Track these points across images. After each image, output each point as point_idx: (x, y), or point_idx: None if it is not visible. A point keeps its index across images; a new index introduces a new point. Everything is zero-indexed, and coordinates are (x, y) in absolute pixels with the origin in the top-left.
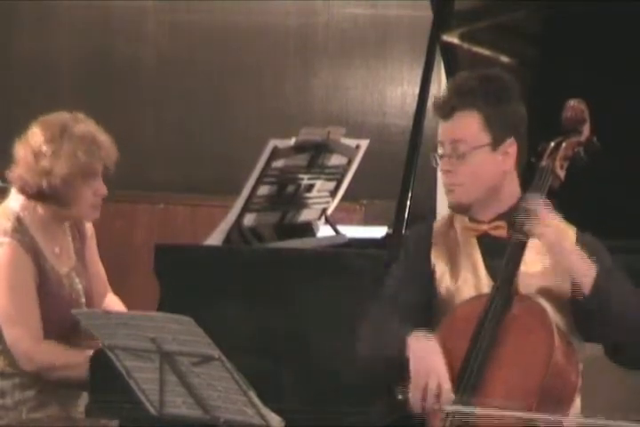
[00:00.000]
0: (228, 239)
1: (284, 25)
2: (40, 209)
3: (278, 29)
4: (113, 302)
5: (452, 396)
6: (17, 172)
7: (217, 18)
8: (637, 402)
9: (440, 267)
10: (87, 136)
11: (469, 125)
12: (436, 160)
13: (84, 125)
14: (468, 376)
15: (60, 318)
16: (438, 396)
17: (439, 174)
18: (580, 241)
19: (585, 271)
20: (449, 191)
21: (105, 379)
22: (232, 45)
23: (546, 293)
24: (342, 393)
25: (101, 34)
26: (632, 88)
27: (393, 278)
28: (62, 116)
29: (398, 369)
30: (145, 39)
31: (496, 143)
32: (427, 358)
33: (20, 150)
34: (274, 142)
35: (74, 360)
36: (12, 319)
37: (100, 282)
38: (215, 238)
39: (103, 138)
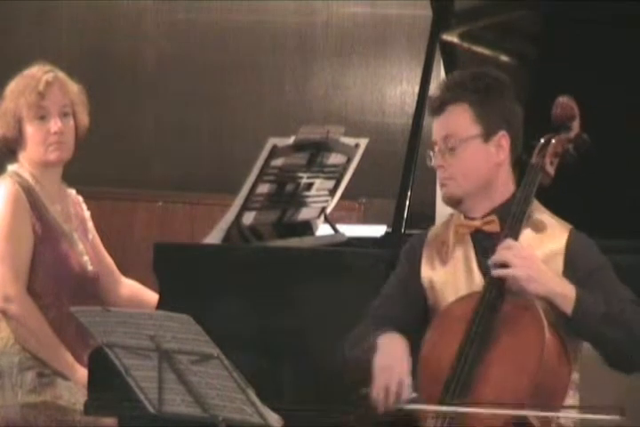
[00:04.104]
0: (227, 238)
1: (284, 24)
2: (30, 167)
3: (277, 28)
4: (136, 288)
5: (412, 392)
6: None
7: (216, 17)
8: (636, 400)
9: (429, 271)
10: (29, 75)
11: (459, 118)
12: (430, 158)
13: (37, 67)
14: (460, 374)
15: (72, 271)
16: (399, 394)
17: (439, 173)
18: (572, 241)
19: (564, 295)
20: (442, 186)
21: (103, 377)
22: (231, 45)
23: None
24: (341, 392)
25: (101, 33)
26: (631, 87)
27: (382, 297)
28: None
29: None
30: (144, 38)
31: (488, 135)
32: (390, 354)
33: None
34: (273, 141)
35: (46, 335)
36: (2, 258)
37: (108, 265)
38: (214, 237)
39: (51, 78)
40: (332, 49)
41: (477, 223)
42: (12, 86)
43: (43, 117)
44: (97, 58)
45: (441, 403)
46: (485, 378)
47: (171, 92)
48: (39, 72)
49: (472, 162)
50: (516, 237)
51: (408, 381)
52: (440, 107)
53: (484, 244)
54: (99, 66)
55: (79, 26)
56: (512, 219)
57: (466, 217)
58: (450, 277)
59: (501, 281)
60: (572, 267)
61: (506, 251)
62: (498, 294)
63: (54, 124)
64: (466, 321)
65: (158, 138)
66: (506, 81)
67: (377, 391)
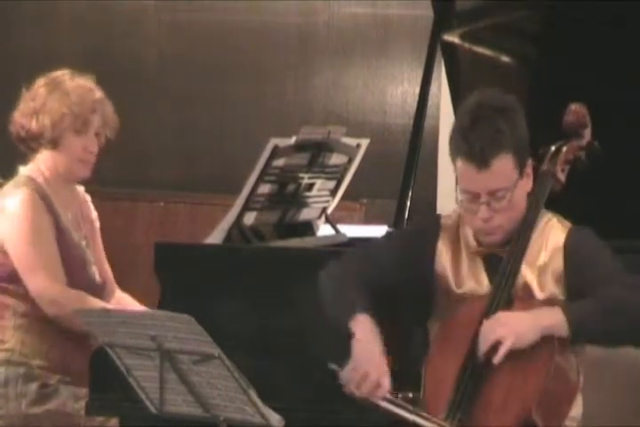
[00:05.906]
0: (228, 238)
1: (285, 24)
2: (47, 172)
3: (279, 28)
4: (126, 300)
5: (387, 393)
6: (14, 117)
7: (218, 17)
8: (637, 403)
9: (447, 258)
10: (84, 87)
11: (505, 171)
12: (460, 203)
13: (84, 80)
14: (468, 379)
15: (82, 282)
16: (376, 388)
17: (439, 173)
18: (570, 237)
19: (555, 324)
20: (489, 235)
21: (105, 377)
22: (232, 44)
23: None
24: (342, 392)
25: (102, 33)
26: (632, 88)
27: (379, 256)
28: (65, 71)
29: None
30: (146, 38)
31: (522, 172)
32: (370, 350)
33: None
34: (274, 141)
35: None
36: (35, 266)
37: (106, 274)
38: (215, 237)
39: (102, 97)
40: (334, 49)
41: (496, 251)
42: (63, 90)
43: (80, 132)
44: (98, 58)
45: (449, 410)
46: (493, 382)
47: (172, 92)
48: (91, 85)
49: (516, 205)
50: (526, 243)
51: (387, 383)
52: (484, 161)
53: (495, 264)
54: (99, 66)
55: (80, 26)
56: (524, 225)
57: (481, 244)
58: (460, 272)
59: (511, 284)
60: (571, 262)
61: (488, 332)
62: (507, 299)
63: (92, 144)
64: (475, 325)
65: (159, 138)
66: (517, 105)
67: (353, 375)
